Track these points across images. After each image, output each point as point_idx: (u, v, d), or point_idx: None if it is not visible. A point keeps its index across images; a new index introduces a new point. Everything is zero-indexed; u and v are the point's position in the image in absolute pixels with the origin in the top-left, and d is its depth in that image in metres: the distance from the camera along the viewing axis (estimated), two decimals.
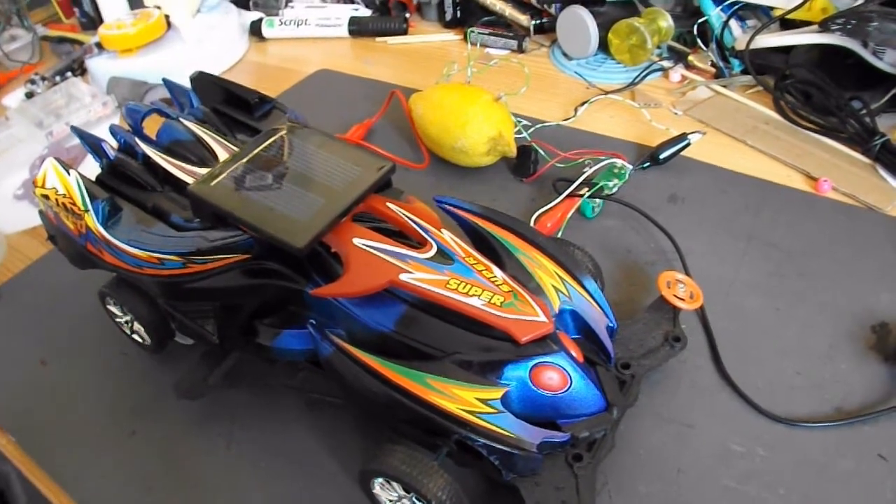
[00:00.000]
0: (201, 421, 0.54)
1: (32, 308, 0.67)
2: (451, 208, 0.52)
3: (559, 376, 0.43)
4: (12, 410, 0.58)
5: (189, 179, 0.52)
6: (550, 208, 0.65)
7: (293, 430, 0.53)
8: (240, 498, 0.49)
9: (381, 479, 0.43)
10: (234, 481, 0.50)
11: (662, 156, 0.71)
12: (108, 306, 0.58)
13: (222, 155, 0.54)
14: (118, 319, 0.59)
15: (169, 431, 0.54)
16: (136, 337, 0.58)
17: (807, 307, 0.56)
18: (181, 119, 0.57)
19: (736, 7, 0.85)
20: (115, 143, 0.56)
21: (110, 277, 0.56)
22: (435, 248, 0.46)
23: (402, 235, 0.49)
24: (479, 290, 0.44)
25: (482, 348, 0.43)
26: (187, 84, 0.63)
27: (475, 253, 0.47)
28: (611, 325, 0.48)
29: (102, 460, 0.53)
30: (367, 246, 0.45)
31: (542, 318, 0.43)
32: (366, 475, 0.43)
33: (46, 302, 0.67)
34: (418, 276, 0.44)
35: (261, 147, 0.51)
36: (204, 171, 0.52)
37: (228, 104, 0.61)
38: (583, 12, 0.88)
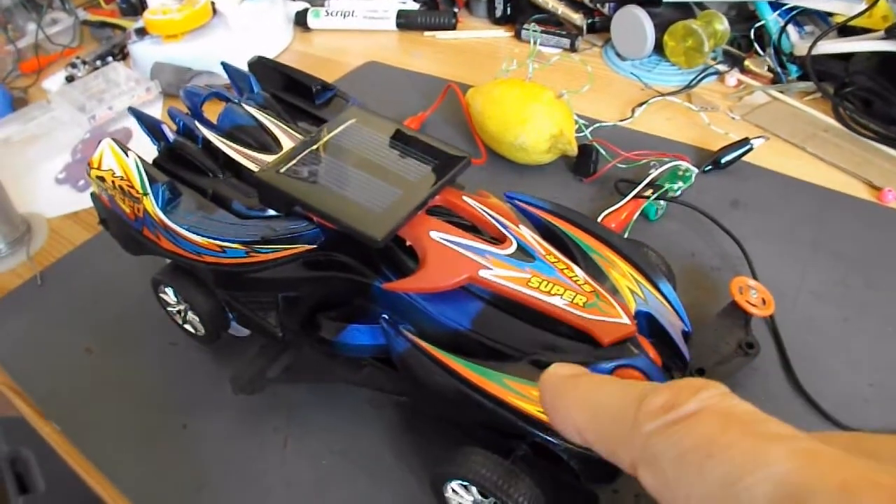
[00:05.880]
0: (256, 416, 0.52)
1: (76, 294, 0.65)
2: (523, 205, 0.50)
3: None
4: (57, 399, 0.56)
5: (251, 165, 0.50)
6: (616, 209, 0.63)
7: (354, 428, 0.51)
8: (297, 498, 0.47)
9: (455, 483, 0.41)
10: (291, 480, 0.48)
11: (724, 160, 0.69)
12: (161, 294, 0.56)
13: (285, 141, 0.52)
14: (170, 308, 0.57)
15: (222, 427, 0.52)
16: (187, 327, 0.56)
17: (876, 318, 0.55)
18: (242, 104, 0.55)
19: (794, 12, 0.83)
20: (173, 126, 0.55)
21: (163, 264, 0.54)
22: (515, 245, 0.44)
23: (474, 231, 0.47)
24: (561, 290, 0.42)
25: (558, 349, 0.42)
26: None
27: (555, 251, 0.45)
28: (686, 329, 0.47)
29: (151, 453, 0.51)
30: (445, 240, 0.43)
31: (625, 319, 0.42)
32: (440, 477, 0.42)
33: (91, 288, 0.66)
34: (499, 272, 0.42)
35: (332, 134, 0.49)
36: (266, 157, 0.50)
37: (287, 91, 0.60)
38: (640, 12, 0.86)
